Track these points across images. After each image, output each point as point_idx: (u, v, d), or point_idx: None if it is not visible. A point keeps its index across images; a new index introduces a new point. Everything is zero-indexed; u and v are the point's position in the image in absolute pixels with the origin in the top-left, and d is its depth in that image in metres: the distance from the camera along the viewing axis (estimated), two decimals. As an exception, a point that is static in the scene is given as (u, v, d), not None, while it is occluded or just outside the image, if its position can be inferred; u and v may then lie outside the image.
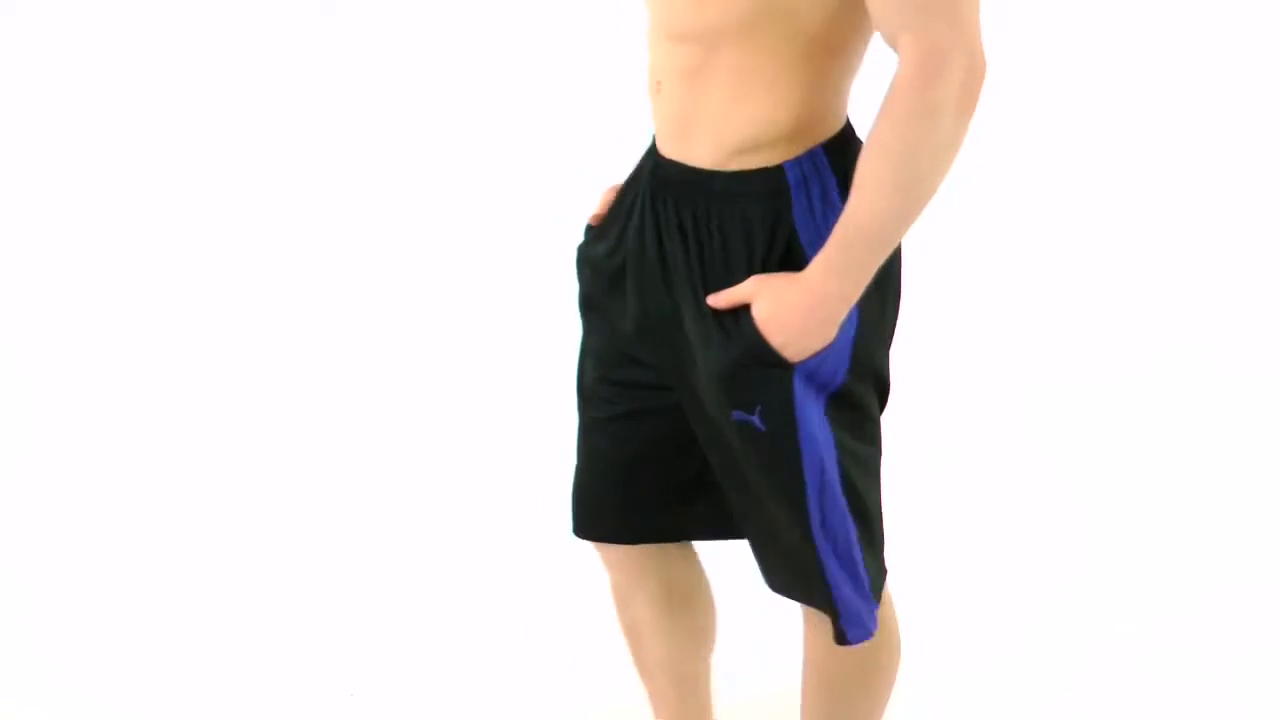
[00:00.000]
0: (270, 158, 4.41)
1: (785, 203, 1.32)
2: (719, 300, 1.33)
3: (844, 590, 1.43)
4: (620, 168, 1.57)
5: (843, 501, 1.39)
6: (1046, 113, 4.31)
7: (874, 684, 1.62)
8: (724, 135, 1.32)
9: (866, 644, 1.51)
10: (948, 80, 1.18)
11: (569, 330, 1.69)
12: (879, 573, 1.49)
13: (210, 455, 2.88)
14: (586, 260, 1.51)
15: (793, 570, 1.47)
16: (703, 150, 1.35)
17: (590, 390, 1.56)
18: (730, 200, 1.33)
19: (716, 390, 1.36)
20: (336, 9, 4.55)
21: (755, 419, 1.34)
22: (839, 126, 1.36)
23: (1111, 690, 2.10)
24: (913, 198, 1.24)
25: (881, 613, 1.54)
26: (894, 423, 1.59)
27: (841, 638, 1.46)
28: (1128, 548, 2.47)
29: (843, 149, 1.34)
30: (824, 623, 1.51)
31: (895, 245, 1.29)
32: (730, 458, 1.42)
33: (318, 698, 2.14)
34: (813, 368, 1.32)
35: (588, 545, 1.67)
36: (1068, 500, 2.62)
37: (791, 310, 1.28)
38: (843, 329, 1.32)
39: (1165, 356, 3.15)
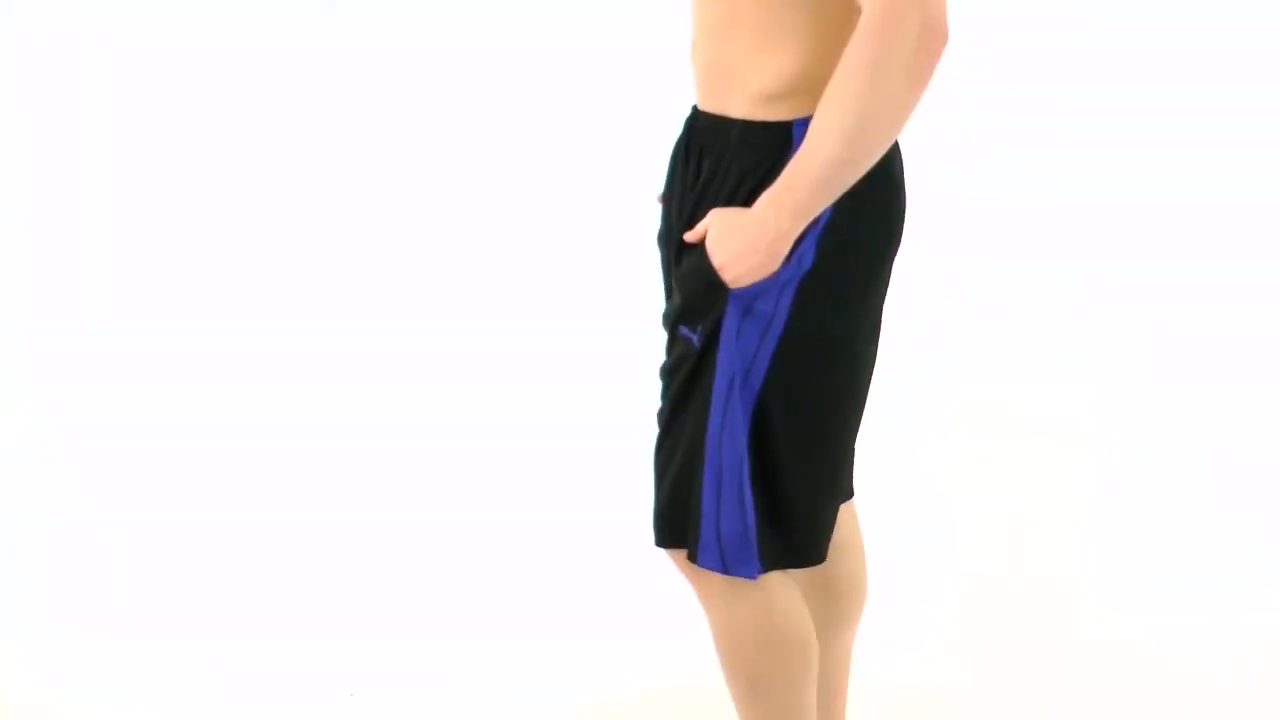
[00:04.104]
0: (270, 158, 4.41)
1: (787, 156, 1.37)
2: (690, 235, 1.43)
3: (711, 515, 1.46)
4: (619, 169, 1.57)
5: (744, 439, 1.42)
6: (1048, 114, 4.31)
7: (759, 681, 1.57)
8: (749, 87, 1.40)
9: (744, 635, 1.52)
10: (899, 38, 1.24)
11: (569, 330, 1.69)
12: (776, 543, 1.47)
13: (210, 456, 2.88)
14: (660, 234, 1.58)
15: (676, 490, 1.48)
16: (729, 101, 1.42)
17: None
18: (743, 149, 1.41)
19: (673, 308, 1.46)
20: (336, 9, 4.55)
21: (695, 337, 1.43)
22: None
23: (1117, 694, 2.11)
24: (857, 149, 1.29)
25: (773, 605, 1.52)
26: (900, 423, 1.59)
27: (693, 555, 1.49)
28: (1127, 548, 2.48)
29: None
30: (711, 602, 1.53)
31: (836, 192, 1.33)
32: (672, 370, 1.49)
33: (318, 698, 2.14)
34: (748, 300, 1.38)
35: (588, 545, 1.67)
36: (1068, 501, 2.62)
37: (734, 234, 1.36)
38: (787, 279, 1.37)
39: (1165, 357, 3.15)
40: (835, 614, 1.73)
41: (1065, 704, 2.08)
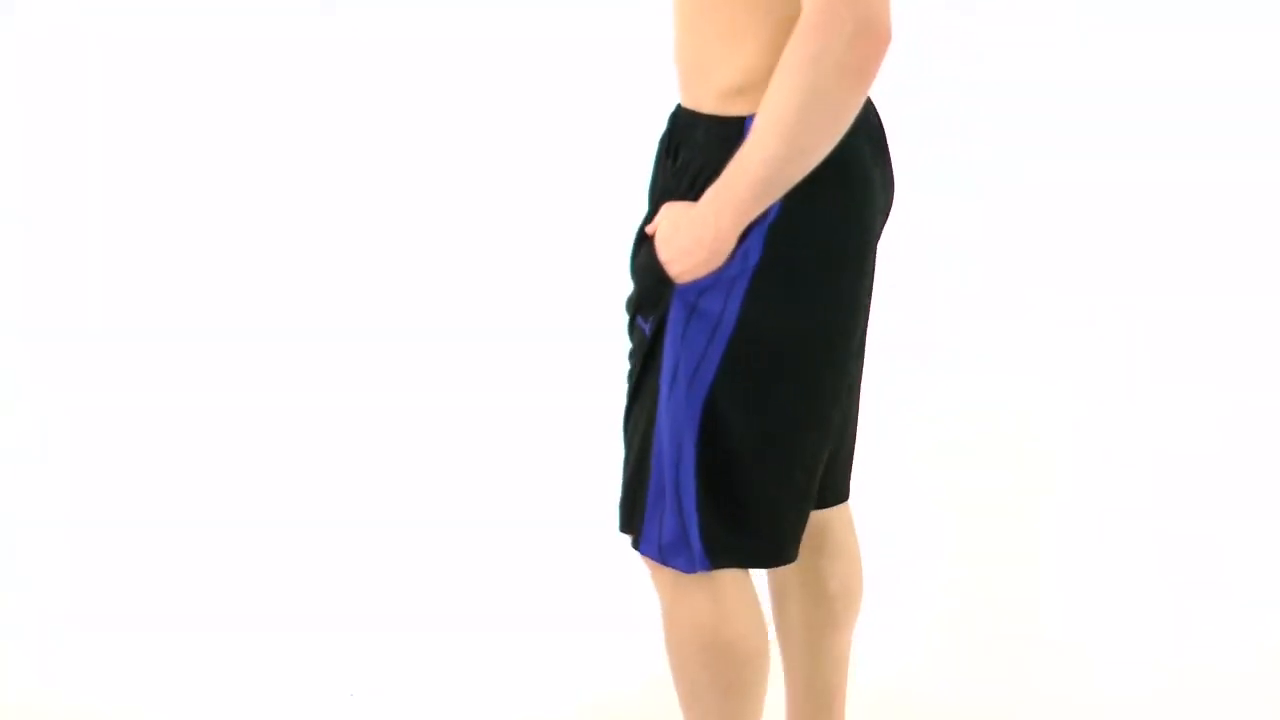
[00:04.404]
0: (270, 158, 4.41)
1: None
2: (649, 228, 1.45)
3: (655, 505, 1.47)
4: (619, 169, 1.58)
5: (689, 435, 1.42)
6: (1050, 116, 4.30)
7: (697, 683, 1.57)
8: (716, 83, 1.40)
9: (686, 632, 1.52)
10: (833, 37, 1.22)
11: (567, 331, 1.69)
12: (733, 542, 1.47)
13: (211, 456, 2.88)
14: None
15: (630, 477, 1.51)
16: (701, 97, 1.43)
17: None
18: (708, 143, 1.42)
19: (630, 298, 1.49)
20: (336, 9, 4.55)
21: (647, 327, 1.45)
22: None
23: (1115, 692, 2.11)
24: (795, 147, 1.28)
25: (720, 607, 1.52)
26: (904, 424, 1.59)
27: (636, 541, 1.51)
28: (1123, 551, 2.48)
29: None
30: (660, 594, 1.54)
31: (777, 191, 1.32)
32: (630, 357, 1.52)
33: (318, 698, 2.14)
34: (693, 297, 1.38)
35: (588, 545, 1.68)
36: (1067, 503, 2.62)
37: (680, 230, 1.37)
38: (733, 276, 1.36)
39: (1165, 358, 3.16)
40: (827, 617, 1.72)
41: (1065, 705, 2.08)
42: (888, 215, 1.54)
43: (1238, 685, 2.12)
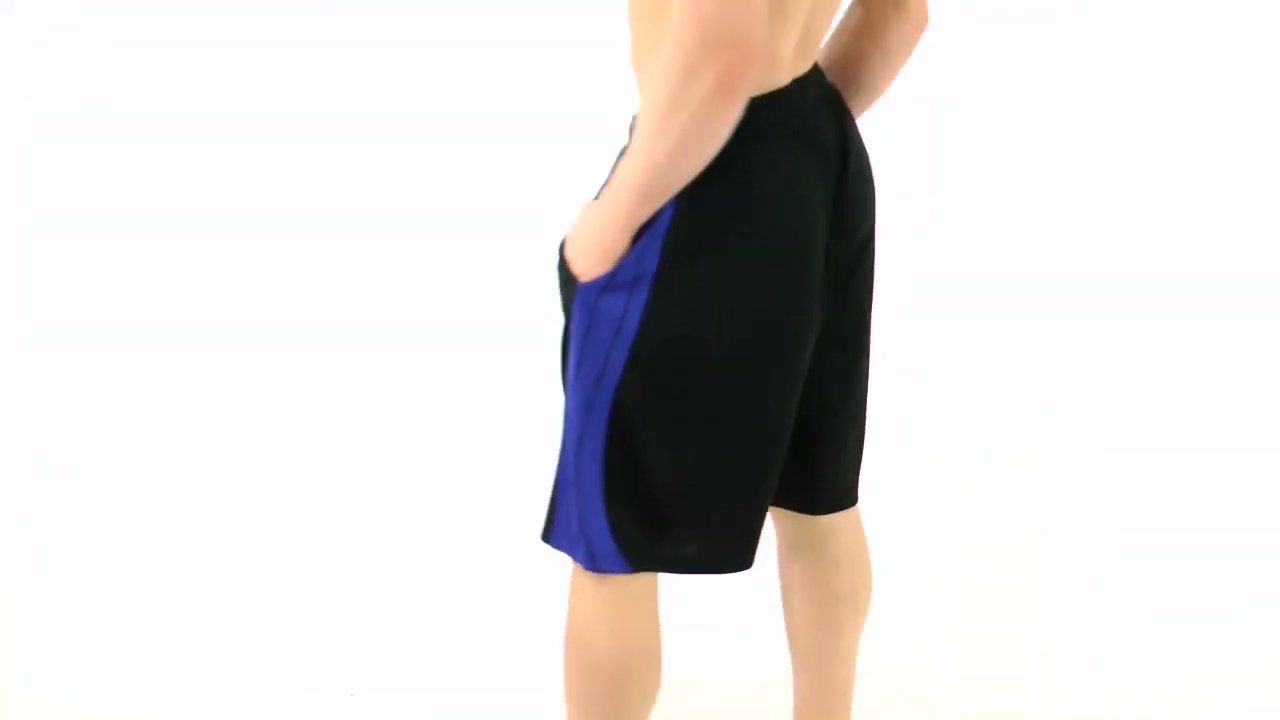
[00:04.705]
0: (270, 157, 4.41)
1: None
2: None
3: (562, 493, 1.51)
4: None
5: (592, 433, 1.42)
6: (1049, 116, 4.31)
7: (574, 685, 1.56)
8: (643, 82, 1.41)
9: (574, 626, 1.54)
10: (680, 42, 1.20)
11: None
12: (652, 547, 1.46)
13: (210, 456, 2.88)
14: None
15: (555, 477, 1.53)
16: (639, 97, 1.44)
17: None
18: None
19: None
20: (336, 9, 4.55)
21: (566, 323, 1.48)
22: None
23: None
24: (663, 152, 1.26)
25: (612, 612, 1.52)
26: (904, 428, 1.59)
27: (546, 532, 1.55)
28: (1124, 550, 2.48)
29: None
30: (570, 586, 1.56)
31: (657, 196, 1.31)
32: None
33: (318, 698, 2.14)
34: (592, 299, 1.39)
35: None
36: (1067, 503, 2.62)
37: (580, 229, 1.39)
38: (632, 279, 1.35)
39: (1164, 359, 3.15)
40: (832, 621, 1.72)
41: (1070, 707, 2.08)
42: (860, 230, 1.50)
43: (1238, 686, 2.12)
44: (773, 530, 1.73)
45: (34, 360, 3.36)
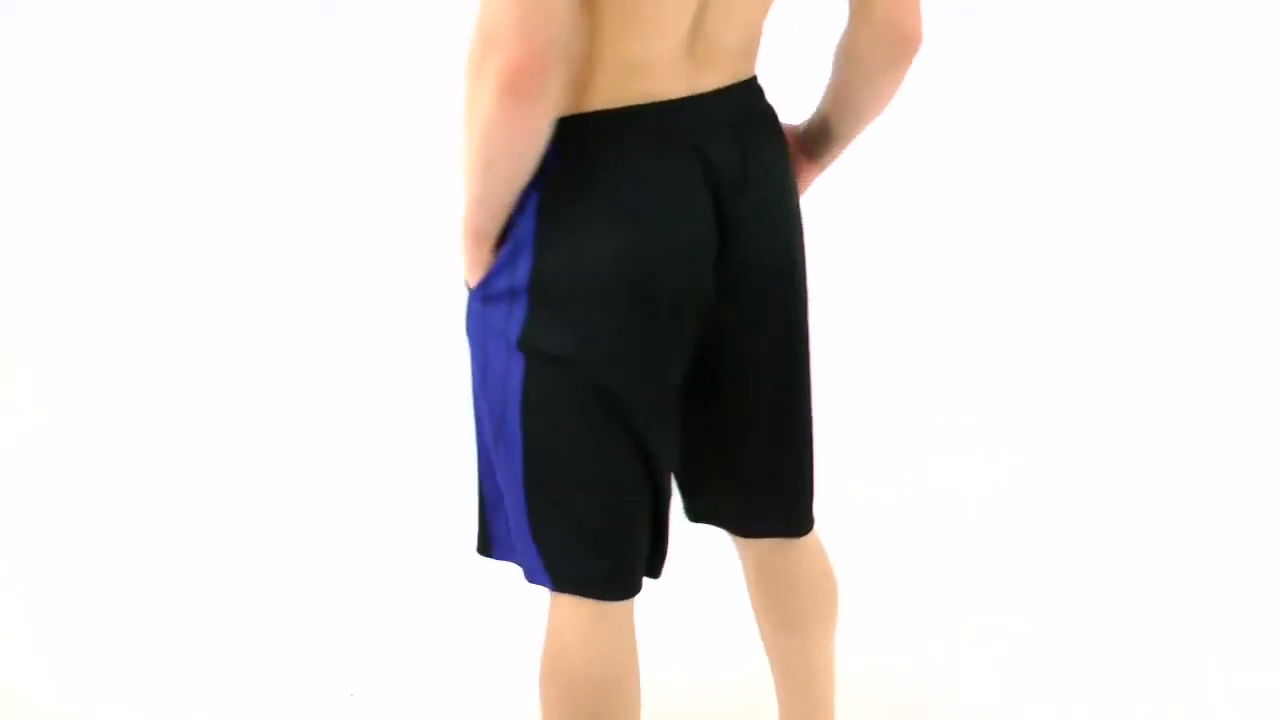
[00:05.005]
0: (270, 157, 4.41)
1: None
2: None
3: (488, 499, 1.51)
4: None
5: (518, 432, 1.39)
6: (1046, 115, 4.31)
7: (550, 707, 1.53)
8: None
9: (549, 661, 1.51)
10: (471, 50, 1.22)
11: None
12: (562, 566, 1.44)
13: (211, 455, 2.88)
14: None
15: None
16: None
17: None
18: None
19: None
20: (336, 9, 4.55)
21: None
22: (607, 101, 1.30)
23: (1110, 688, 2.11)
24: (471, 157, 1.27)
25: (563, 633, 1.49)
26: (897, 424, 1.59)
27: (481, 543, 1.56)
28: (1123, 550, 2.48)
29: (586, 122, 1.31)
30: None
31: (491, 203, 1.30)
32: None
33: (318, 698, 2.14)
34: (477, 306, 1.39)
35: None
36: (1066, 502, 2.62)
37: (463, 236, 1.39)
38: (506, 291, 1.35)
39: (1164, 359, 3.15)
40: (791, 641, 1.70)
41: (1064, 706, 2.08)
42: (766, 255, 1.43)
43: (1238, 686, 2.12)
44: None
45: (34, 360, 3.36)
